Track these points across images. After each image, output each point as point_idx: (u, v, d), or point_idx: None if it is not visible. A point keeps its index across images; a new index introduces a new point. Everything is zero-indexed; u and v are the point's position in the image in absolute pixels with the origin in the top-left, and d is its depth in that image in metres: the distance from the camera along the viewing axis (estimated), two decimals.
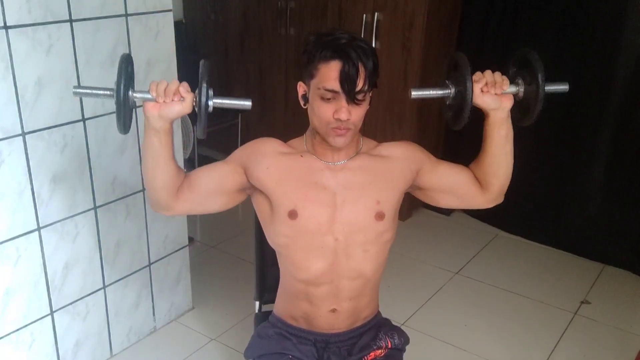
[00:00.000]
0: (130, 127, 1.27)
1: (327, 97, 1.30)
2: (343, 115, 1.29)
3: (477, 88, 1.30)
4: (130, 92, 1.23)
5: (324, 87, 1.29)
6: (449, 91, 1.34)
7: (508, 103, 1.34)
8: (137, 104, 1.27)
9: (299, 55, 1.39)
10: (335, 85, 1.28)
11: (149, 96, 1.24)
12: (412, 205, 3.44)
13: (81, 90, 1.29)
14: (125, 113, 1.24)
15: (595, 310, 2.69)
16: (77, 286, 2.10)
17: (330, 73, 1.28)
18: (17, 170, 1.82)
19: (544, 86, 1.29)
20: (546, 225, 3.24)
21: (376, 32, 3.20)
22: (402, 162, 1.46)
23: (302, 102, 1.40)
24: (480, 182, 1.46)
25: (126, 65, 1.23)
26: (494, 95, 1.32)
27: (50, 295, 2.01)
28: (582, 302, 2.75)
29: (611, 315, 2.65)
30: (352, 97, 1.29)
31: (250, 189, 1.45)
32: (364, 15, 3.22)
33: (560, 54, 2.98)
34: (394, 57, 3.18)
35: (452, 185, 1.49)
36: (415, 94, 1.35)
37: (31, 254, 1.92)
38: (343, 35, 1.30)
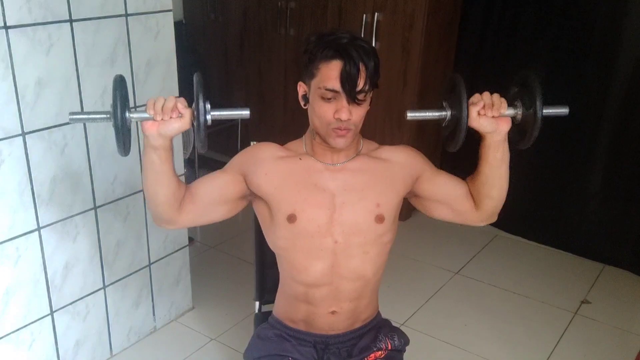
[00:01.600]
0: (130, 148, 1.24)
1: (328, 96, 1.29)
2: (344, 115, 1.29)
3: (473, 111, 1.27)
4: (127, 114, 1.19)
5: (324, 86, 1.29)
6: (445, 113, 1.32)
7: (505, 126, 1.31)
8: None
9: (299, 55, 1.38)
10: (336, 84, 1.27)
11: (146, 115, 1.22)
12: (412, 205, 3.43)
13: (78, 117, 1.27)
14: (124, 135, 1.20)
15: (595, 310, 2.69)
16: (77, 286, 2.10)
17: (331, 72, 1.27)
18: (17, 170, 1.82)
19: (542, 111, 1.25)
20: (546, 225, 3.24)
21: (376, 32, 3.20)
22: (403, 167, 1.45)
23: (302, 103, 1.39)
24: (474, 199, 1.44)
25: (120, 88, 1.19)
26: (490, 119, 1.29)
27: (50, 295, 2.01)
28: (582, 302, 2.75)
29: (611, 315, 2.65)
30: (352, 97, 1.28)
31: (251, 195, 1.44)
32: (364, 15, 3.22)
33: (560, 53, 2.98)
34: (394, 58, 3.18)
35: (448, 198, 1.47)
36: (410, 115, 1.33)
37: (31, 254, 1.92)
38: (344, 34, 1.29)
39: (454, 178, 1.48)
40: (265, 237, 1.50)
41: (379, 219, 1.40)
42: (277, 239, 1.44)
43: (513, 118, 1.32)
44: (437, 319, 2.61)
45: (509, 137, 1.33)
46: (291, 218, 1.38)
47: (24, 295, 1.93)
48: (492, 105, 1.28)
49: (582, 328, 2.58)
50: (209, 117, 1.21)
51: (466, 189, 1.45)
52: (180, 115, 1.22)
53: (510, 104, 1.31)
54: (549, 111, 1.27)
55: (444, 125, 1.36)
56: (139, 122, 1.24)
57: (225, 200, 1.42)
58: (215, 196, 1.41)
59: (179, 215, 1.36)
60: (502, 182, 1.39)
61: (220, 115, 1.24)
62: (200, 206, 1.39)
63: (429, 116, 1.35)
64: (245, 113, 1.26)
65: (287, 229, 1.39)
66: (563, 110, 1.30)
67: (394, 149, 1.48)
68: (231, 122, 3.89)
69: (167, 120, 1.22)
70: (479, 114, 1.28)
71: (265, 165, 1.41)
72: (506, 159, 1.36)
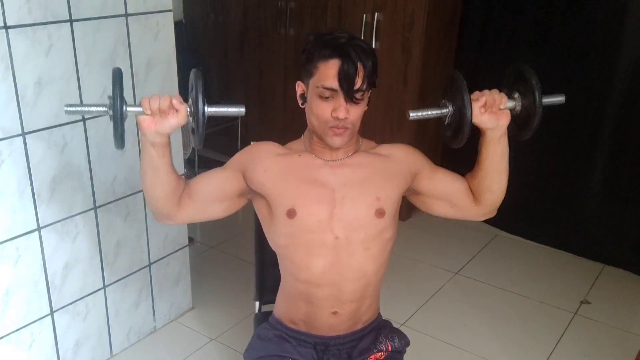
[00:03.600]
0: (124, 142, 1.22)
1: (326, 95, 1.30)
2: (341, 114, 1.30)
3: (476, 107, 1.29)
4: (125, 107, 1.17)
5: (322, 85, 1.29)
6: (447, 110, 1.33)
7: (505, 120, 1.33)
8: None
9: (298, 55, 1.39)
10: (333, 83, 1.28)
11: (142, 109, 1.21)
12: (412, 205, 3.43)
13: (73, 109, 1.24)
14: (122, 128, 1.19)
15: (595, 310, 2.69)
16: (77, 286, 2.10)
17: (329, 71, 1.28)
18: (17, 170, 1.82)
19: (542, 99, 1.27)
20: (546, 225, 3.24)
21: (376, 32, 3.20)
22: (402, 163, 1.46)
23: (300, 102, 1.40)
24: (474, 194, 1.46)
25: (120, 80, 1.17)
26: (491, 114, 1.31)
27: (50, 295, 2.01)
28: (582, 302, 2.75)
29: (611, 315, 2.65)
30: (350, 96, 1.29)
31: (251, 193, 1.45)
32: (364, 15, 3.22)
33: (561, 53, 2.98)
34: (394, 57, 3.18)
35: (447, 193, 1.48)
36: (413, 115, 1.33)
37: (31, 254, 1.92)
38: (342, 34, 1.31)
39: (452, 174, 1.49)
40: (266, 236, 1.50)
41: (379, 213, 1.40)
42: (278, 236, 1.43)
43: (512, 110, 1.33)
44: (437, 319, 2.61)
45: (508, 132, 1.35)
46: (290, 213, 1.38)
47: (24, 295, 1.93)
48: (494, 101, 1.30)
49: (582, 328, 2.58)
50: (206, 108, 1.18)
51: (465, 185, 1.46)
52: (177, 112, 1.21)
53: (508, 97, 1.33)
54: (547, 100, 1.29)
55: (446, 123, 1.36)
56: (135, 118, 1.22)
57: (223, 197, 1.42)
58: (214, 193, 1.41)
59: (178, 211, 1.37)
60: (503, 176, 1.41)
61: (216, 111, 1.21)
62: (199, 202, 1.39)
63: (431, 114, 1.35)
64: (241, 110, 1.23)
65: (287, 225, 1.39)
66: (560, 99, 1.32)
67: (393, 146, 1.49)
68: (231, 122, 3.89)
69: (164, 117, 1.21)
70: (480, 111, 1.30)
71: (265, 162, 1.42)
72: (506, 153, 1.38)
